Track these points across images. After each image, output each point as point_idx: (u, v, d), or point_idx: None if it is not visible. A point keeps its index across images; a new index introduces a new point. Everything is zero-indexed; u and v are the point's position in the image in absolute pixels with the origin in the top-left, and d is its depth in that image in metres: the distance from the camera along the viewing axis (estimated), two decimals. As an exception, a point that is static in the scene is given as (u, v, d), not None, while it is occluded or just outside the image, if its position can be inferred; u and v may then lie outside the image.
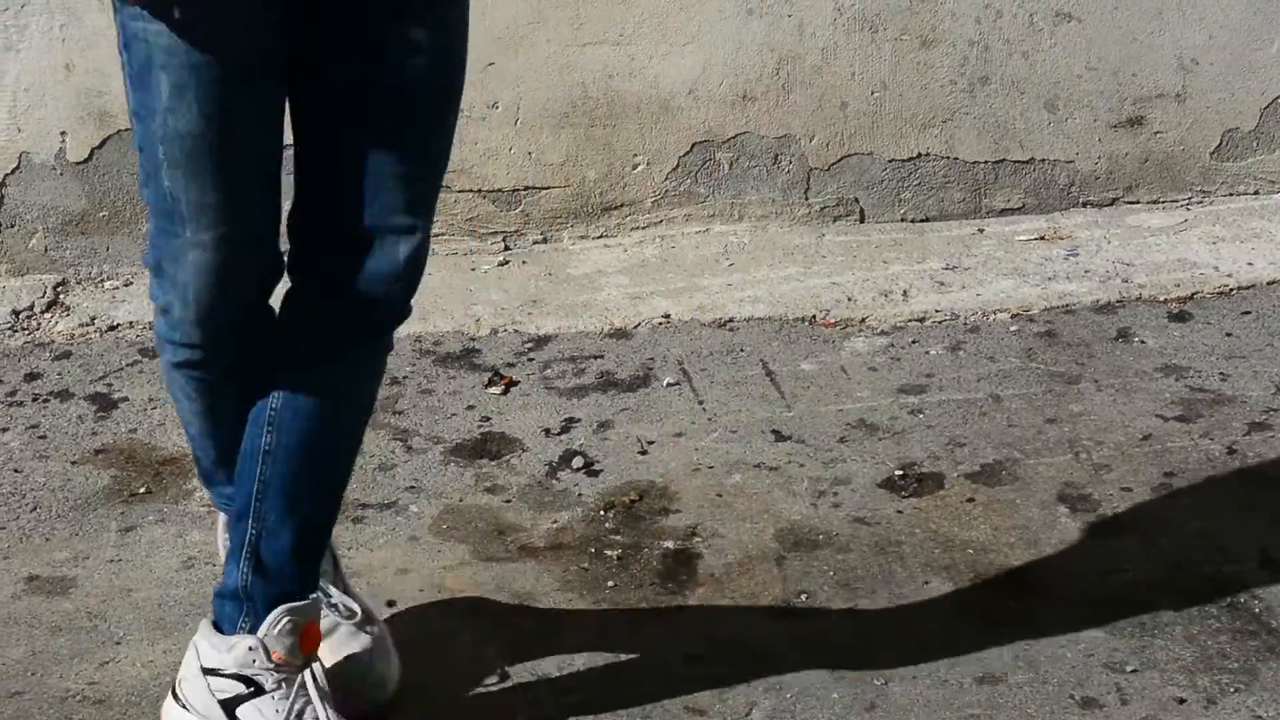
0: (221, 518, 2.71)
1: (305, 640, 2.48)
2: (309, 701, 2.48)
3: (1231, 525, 3.13)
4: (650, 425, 3.52)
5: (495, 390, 3.67)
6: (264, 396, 2.48)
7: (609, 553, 3.12)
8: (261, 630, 2.46)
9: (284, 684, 2.47)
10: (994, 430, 3.46)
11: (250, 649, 2.47)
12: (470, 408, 3.60)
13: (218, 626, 2.51)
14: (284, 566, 2.49)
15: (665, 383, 3.68)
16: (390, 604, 2.97)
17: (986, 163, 4.25)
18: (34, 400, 3.62)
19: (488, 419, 3.56)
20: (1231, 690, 2.70)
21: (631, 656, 2.84)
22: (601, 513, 3.24)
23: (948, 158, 4.24)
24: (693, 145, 4.18)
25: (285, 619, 2.46)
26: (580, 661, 2.82)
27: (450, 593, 3.02)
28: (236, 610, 2.49)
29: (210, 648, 2.49)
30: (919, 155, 4.23)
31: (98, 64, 4.05)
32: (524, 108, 4.13)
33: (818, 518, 3.20)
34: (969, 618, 2.90)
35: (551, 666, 2.81)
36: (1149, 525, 3.15)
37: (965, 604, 2.95)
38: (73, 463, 3.42)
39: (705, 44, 4.12)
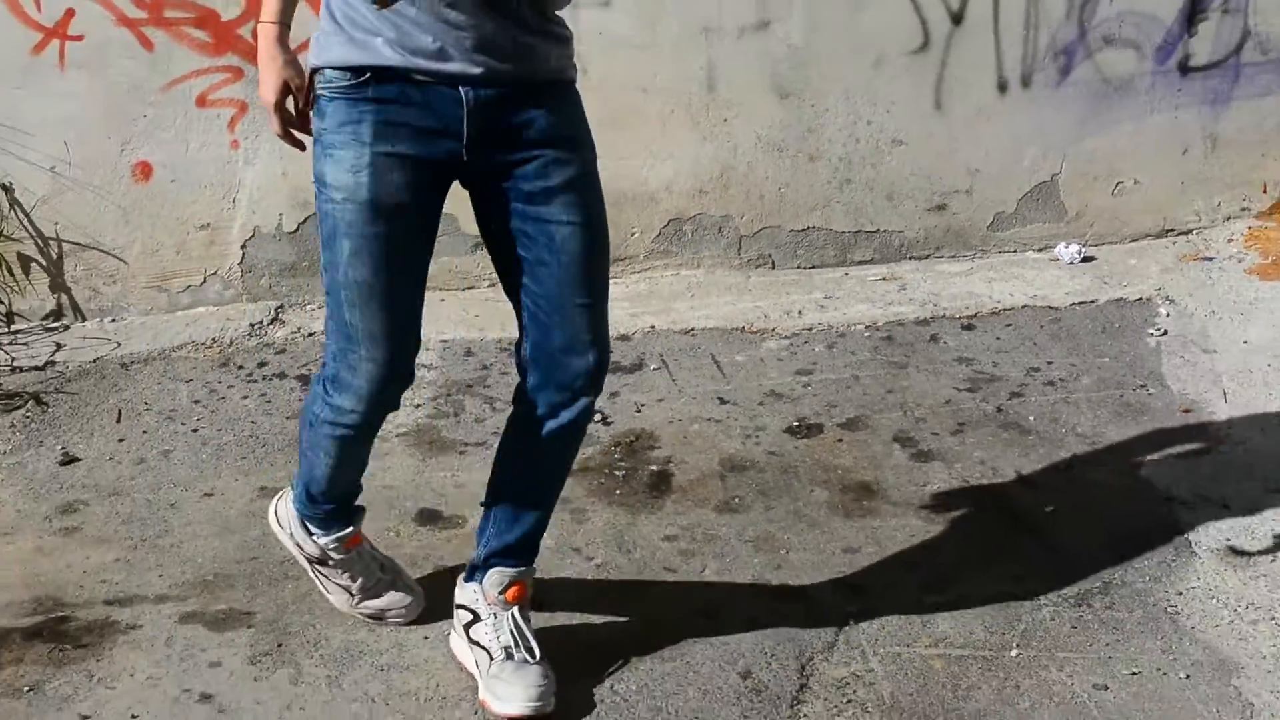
0: (294, 515, 2.55)
1: (509, 592, 2.42)
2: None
3: (998, 455, 3.20)
4: (642, 394, 3.57)
5: None
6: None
7: (617, 473, 3.18)
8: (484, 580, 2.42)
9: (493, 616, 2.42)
10: (854, 397, 3.51)
11: (474, 591, 2.44)
12: None
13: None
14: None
15: (652, 368, 3.72)
16: (482, 504, 2.92)
17: (849, 232, 4.28)
18: (263, 379, 3.69)
19: None
20: (998, 556, 2.80)
21: (630, 537, 2.90)
22: (613, 448, 3.30)
23: (826, 229, 4.27)
24: (669, 221, 4.22)
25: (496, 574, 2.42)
26: (597, 540, 2.89)
27: None
28: (471, 572, 2.47)
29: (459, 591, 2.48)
30: (808, 227, 4.26)
31: (303, 171, 3.96)
32: None
33: (745, 451, 3.26)
34: (838, 513, 2.98)
35: (580, 541, 2.89)
36: (948, 455, 3.22)
37: (836, 505, 3.01)
38: (286, 418, 3.48)
39: (675, 159, 4.16)
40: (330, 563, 2.54)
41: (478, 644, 2.41)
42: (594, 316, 2.25)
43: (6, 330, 4.07)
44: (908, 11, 4.13)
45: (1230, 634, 2.51)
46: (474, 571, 2.46)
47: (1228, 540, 2.80)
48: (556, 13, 2.17)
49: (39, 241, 4.07)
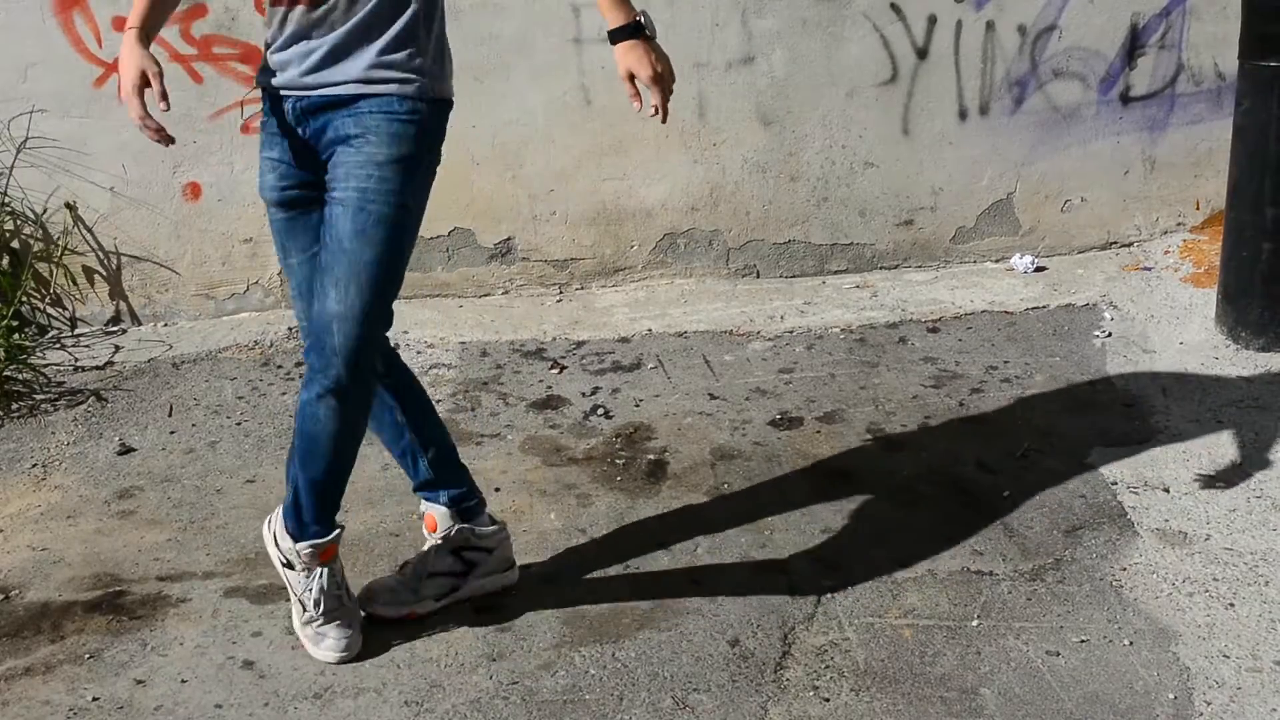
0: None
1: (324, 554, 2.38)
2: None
3: (960, 444, 3.18)
4: (641, 391, 3.56)
5: (555, 371, 3.69)
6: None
7: (618, 461, 3.17)
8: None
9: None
10: (831, 393, 3.50)
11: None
12: (540, 380, 3.63)
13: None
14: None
15: (649, 367, 3.70)
16: (496, 490, 3.01)
17: (826, 244, 4.26)
18: (300, 378, 3.59)
19: (550, 387, 3.60)
20: (960, 535, 2.76)
21: (629, 519, 2.90)
22: (614, 439, 3.28)
23: (805, 242, 4.25)
24: (664, 235, 4.21)
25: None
26: (600, 522, 2.88)
27: (530, 484, 3.06)
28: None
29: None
30: (789, 241, 4.25)
31: None
32: (570, 214, 4.17)
33: (733, 442, 3.25)
34: (816, 496, 2.96)
35: (585, 523, 2.88)
36: (916, 445, 3.20)
37: (815, 488, 3.00)
38: None
39: (670, 179, 4.16)
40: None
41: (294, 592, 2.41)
42: (346, 294, 2.17)
43: (71, 334, 4.08)
44: (878, 47, 4.11)
45: (1169, 605, 2.51)
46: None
47: (1166, 521, 2.81)
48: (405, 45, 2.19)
49: (100, 254, 4.09)
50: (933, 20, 4.14)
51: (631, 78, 2.19)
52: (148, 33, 2.14)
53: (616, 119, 4.05)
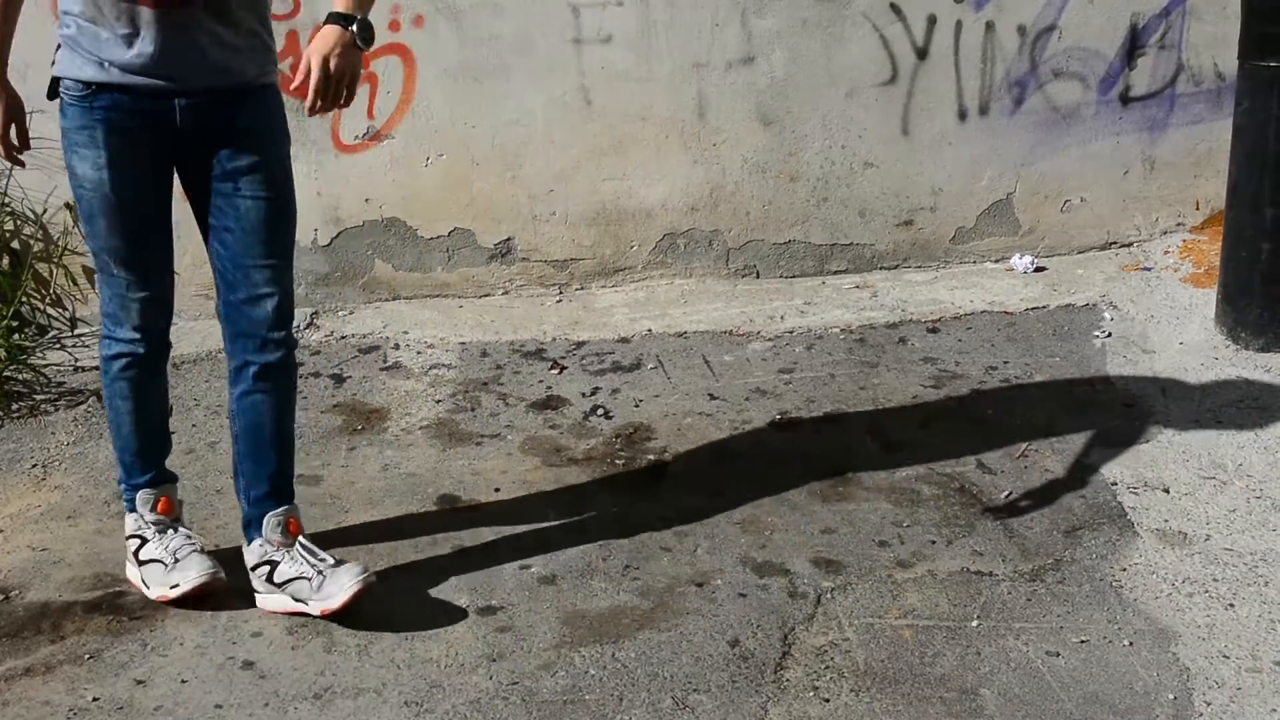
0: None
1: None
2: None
3: (960, 444, 3.18)
4: (641, 391, 3.56)
5: (554, 371, 3.70)
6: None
7: (617, 462, 3.17)
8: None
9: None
10: (830, 393, 3.50)
11: (259, 546, 2.54)
12: (540, 381, 3.64)
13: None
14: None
15: (649, 367, 3.70)
16: (496, 490, 3.01)
17: (826, 245, 4.25)
18: (300, 378, 3.63)
19: (550, 387, 3.60)
20: (960, 536, 2.79)
21: (629, 519, 2.90)
22: (614, 439, 3.29)
23: (805, 242, 4.25)
24: (664, 235, 4.21)
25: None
26: (600, 522, 2.90)
27: (529, 484, 3.07)
28: (249, 532, 2.58)
29: None
30: (789, 241, 4.25)
31: (335, 190, 4.09)
32: (570, 215, 4.17)
33: (733, 441, 3.25)
34: (816, 496, 2.97)
35: (585, 523, 2.90)
36: (916, 444, 3.19)
37: (814, 489, 3.00)
38: (321, 411, 3.49)
39: (670, 179, 4.17)
40: (148, 537, 2.55)
41: (290, 580, 2.47)
42: (274, 273, 2.38)
43: (71, 334, 4.07)
44: (878, 47, 4.13)
45: (1169, 606, 2.51)
46: (250, 529, 2.53)
47: (1166, 521, 2.81)
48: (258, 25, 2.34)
49: (99, 254, 4.09)
50: (932, 20, 4.15)
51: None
52: (4, 62, 2.40)
53: (616, 119, 4.06)
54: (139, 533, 2.59)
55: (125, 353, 2.49)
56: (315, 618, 2.51)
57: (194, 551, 2.54)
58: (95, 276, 2.49)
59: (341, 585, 2.43)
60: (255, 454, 2.48)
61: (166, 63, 2.25)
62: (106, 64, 2.25)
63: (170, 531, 2.56)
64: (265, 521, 2.50)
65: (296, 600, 2.47)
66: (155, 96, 2.27)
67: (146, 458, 2.59)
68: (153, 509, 2.58)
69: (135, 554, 2.58)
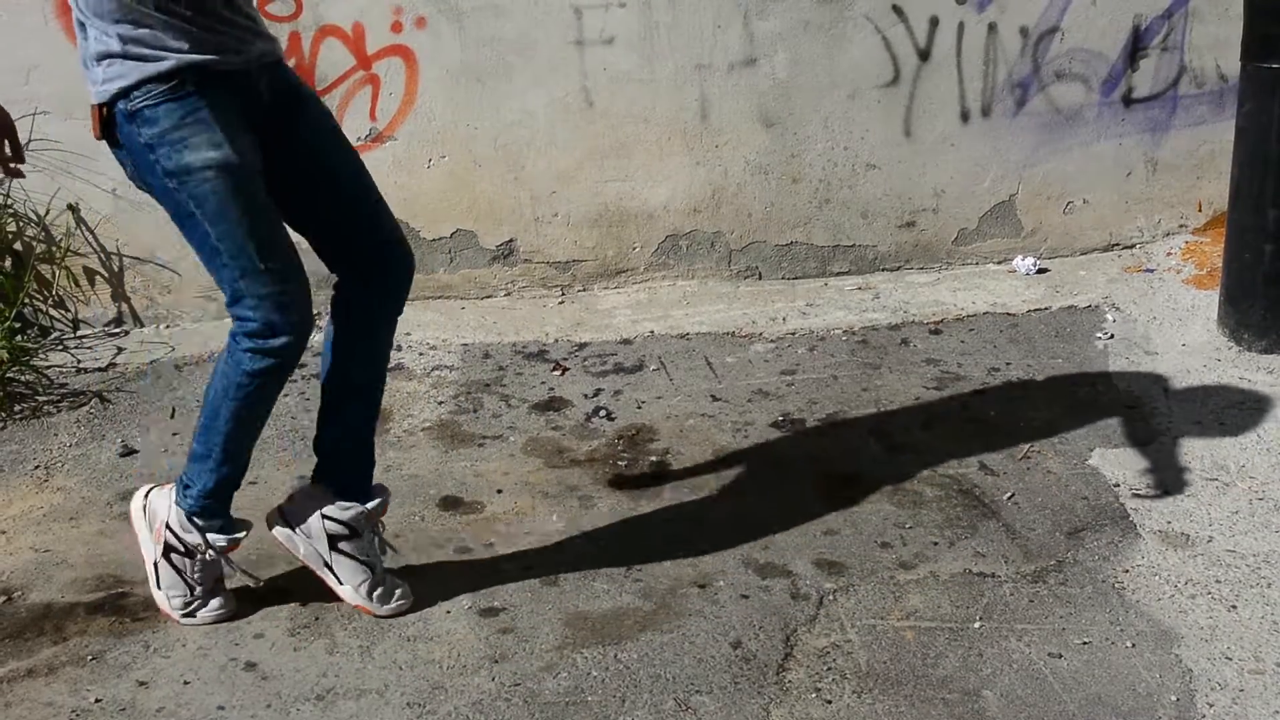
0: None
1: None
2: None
3: (962, 445, 3.18)
4: (643, 392, 3.56)
5: (557, 373, 3.70)
6: None
7: (620, 463, 3.17)
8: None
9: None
10: (833, 395, 3.50)
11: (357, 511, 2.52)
12: (543, 382, 3.64)
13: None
14: None
15: (651, 369, 3.70)
16: (499, 491, 3.02)
17: (829, 246, 4.26)
18: (302, 379, 3.64)
19: (552, 389, 3.60)
20: (963, 537, 2.79)
21: (632, 521, 2.92)
22: (616, 441, 3.29)
23: (807, 244, 4.25)
24: (666, 237, 4.21)
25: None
26: (602, 524, 2.90)
27: (532, 486, 3.07)
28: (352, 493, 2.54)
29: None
30: (791, 242, 4.24)
31: None
32: (573, 216, 4.18)
33: (735, 443, 3.25)
34: (818, 498, 2.96)
35: (587, 525, 2.90)
36: (918, 446, 3.19)
37: (817, 490, 3.01)
38: None
39: (672, 181, 4.16)
40: (195, 557, 2.47)
41: (350, 558, 2.45)
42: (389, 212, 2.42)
43: (73, 335, 4.08)
44: (880, 49, 4.12)
45: (1171, 607, 2.51)
46: (355, 493, 2.46)
47: (1168, 523, 2.81)
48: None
49: (102, 256, 4.08)
50: (935, 22, 4.15)
51: None
52: None
53: (619, 121, 4.07)
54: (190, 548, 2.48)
55: (277, 365, 2.31)
56: (316, 618, 2.52)
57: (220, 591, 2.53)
58: (233, 304, 2.29)
59: (393, 596, 2.50)
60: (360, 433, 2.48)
61: (226, 43, 2.22)
62: (178, 51, 2.17)
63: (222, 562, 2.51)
64: (374, 491, 2.49)
65: (336, 576, 2.46)
66: (230, 72, 2.22)
67: (234, 489, 2.47)
68: (223, 550, 2.48)
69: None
